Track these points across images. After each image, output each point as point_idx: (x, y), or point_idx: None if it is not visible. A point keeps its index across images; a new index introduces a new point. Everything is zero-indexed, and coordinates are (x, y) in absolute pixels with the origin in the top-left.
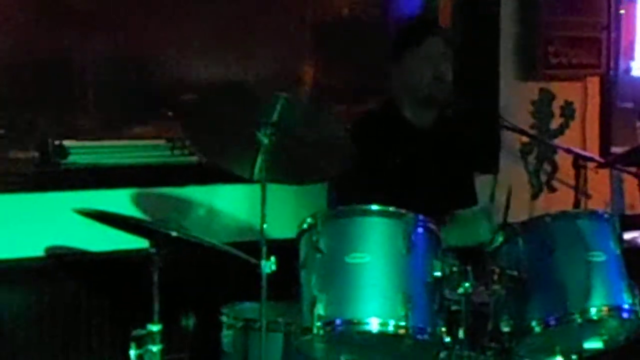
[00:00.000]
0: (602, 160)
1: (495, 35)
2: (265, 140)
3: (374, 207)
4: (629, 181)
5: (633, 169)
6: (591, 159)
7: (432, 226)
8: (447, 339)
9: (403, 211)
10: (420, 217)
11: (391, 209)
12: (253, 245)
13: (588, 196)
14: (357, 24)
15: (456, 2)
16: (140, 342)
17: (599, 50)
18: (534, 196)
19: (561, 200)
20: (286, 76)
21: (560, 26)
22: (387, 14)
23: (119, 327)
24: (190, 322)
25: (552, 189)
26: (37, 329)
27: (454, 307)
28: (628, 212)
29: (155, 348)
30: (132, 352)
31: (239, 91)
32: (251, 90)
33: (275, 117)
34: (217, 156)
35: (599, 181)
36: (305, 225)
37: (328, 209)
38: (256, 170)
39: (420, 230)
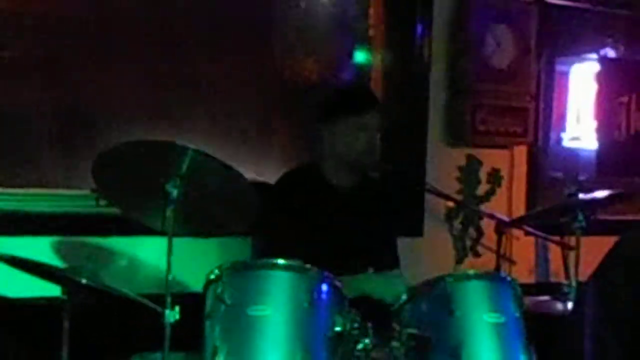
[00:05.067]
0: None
1: (424, 100)
2: (174, 193)
3: (280, 261)
4: (554, 249)
5: (556, 238)
6: (507, 223)
7: (336, 283)
8: None
9: (308, 266)
10: (326, 273)
11: (296, 263)
12: (174, 296)
13: (512, 262)
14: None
15: (387, 67)
16: None
17: (526, 119)
18: (459, 261)
19: (485, 265)
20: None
21: (489, 94)
22: None
23: None
24: None
25: (477, 254)
26: None
27: None
28: (553, 279)
29: None
30: None
31: (149, 144)
32: (162, 143)
33: (184, 169)
34: (129, 207)
35: (524, 248)
36: (212, 277)
37: (234, 261)
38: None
39: (324, 286)
